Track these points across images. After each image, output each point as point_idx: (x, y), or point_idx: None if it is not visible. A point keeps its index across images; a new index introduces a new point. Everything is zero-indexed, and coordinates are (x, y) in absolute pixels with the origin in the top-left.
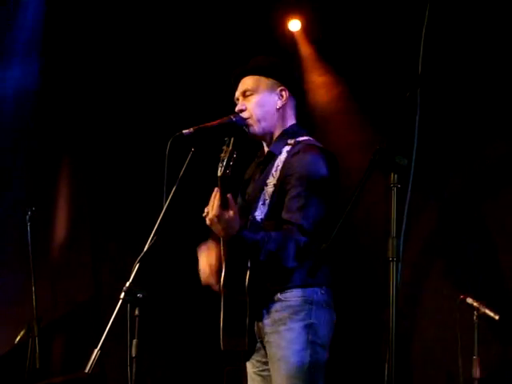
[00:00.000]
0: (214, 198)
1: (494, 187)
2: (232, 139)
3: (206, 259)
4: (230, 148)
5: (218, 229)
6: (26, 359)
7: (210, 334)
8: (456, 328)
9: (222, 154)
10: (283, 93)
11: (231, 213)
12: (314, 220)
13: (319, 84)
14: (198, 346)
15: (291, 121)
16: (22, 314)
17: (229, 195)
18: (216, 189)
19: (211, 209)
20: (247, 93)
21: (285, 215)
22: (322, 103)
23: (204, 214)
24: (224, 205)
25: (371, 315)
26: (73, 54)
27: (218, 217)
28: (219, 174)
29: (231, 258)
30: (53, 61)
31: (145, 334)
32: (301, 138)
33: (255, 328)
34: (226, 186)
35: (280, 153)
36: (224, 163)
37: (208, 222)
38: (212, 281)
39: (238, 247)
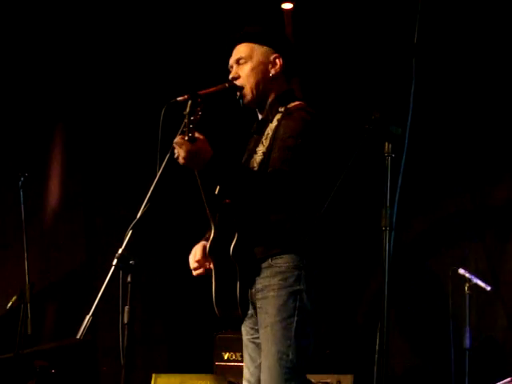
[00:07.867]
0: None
1: (491, 159)
2: (189, 102)
3: (193, 255)
4: (188, 110)
5: (189, 163)
6: (18, 325)
7: (201, 300)
8: (448, 299)
9: (185, 120)
10: (277, 60)
11: (198, 143)
12: (298, 169)
13: None
14: (190, 312)
15: (284, 88)
16: (14, 280)
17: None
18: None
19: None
20: (241, 61)
21: (269, 169)
22: None
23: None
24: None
25: (363, 284)
26: (68, 20)
27: (187, 151)
28: (185, 139)
29: (207, 193)
30: (47, 26)
31: (137, 301)
32: (291, 104)
33: (248, 294)
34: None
35: (271, 121)
36: (185, 129)
37: (181, 160)
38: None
39: (211, 177)
